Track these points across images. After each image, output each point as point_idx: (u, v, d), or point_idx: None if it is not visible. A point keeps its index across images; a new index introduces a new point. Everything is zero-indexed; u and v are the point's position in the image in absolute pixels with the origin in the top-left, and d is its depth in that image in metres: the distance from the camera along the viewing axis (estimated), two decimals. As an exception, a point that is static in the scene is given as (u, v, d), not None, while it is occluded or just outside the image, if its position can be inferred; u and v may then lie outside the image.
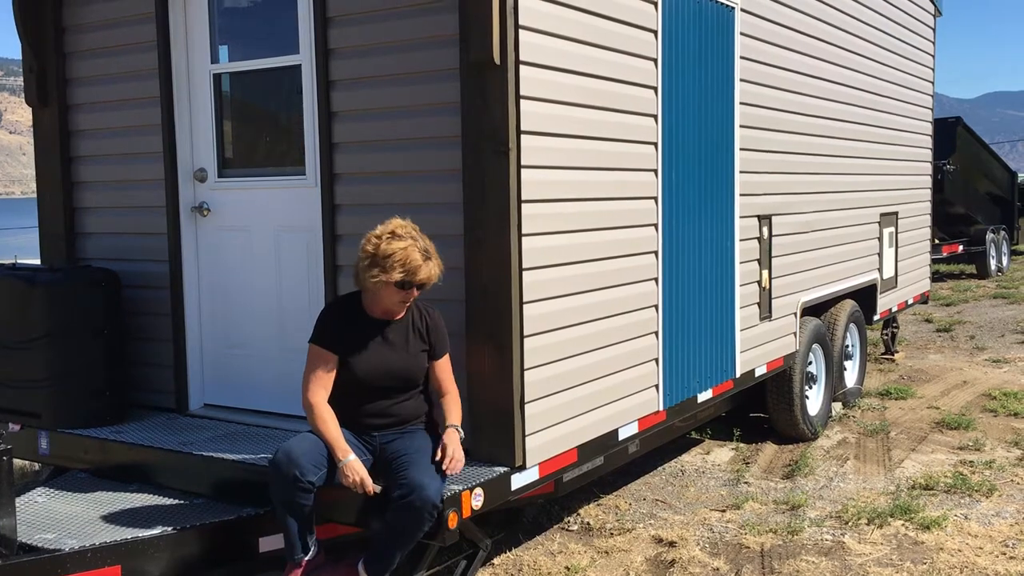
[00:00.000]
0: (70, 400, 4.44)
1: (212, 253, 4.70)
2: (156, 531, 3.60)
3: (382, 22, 3.96)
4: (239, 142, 4.73)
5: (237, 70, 4.60)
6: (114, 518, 3.78)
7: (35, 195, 5.17)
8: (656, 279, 4.67)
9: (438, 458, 3.49)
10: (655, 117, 4.58)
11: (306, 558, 3.51)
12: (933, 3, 9.06)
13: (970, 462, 5.91)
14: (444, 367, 3.74)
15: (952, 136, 15.50)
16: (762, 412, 6.46)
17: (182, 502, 3.95)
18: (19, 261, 5.17)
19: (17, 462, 4.81)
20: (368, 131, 4.06)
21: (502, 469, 3.76)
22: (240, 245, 4.60)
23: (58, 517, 3.83)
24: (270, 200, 4.49)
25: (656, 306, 4.69)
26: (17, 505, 3.53)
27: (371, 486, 3.44)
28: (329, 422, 3.52)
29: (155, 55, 4.59)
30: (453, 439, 3.56)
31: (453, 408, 3.70)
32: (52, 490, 4.17)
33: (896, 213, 8.16)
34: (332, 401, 3.62)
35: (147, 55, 4.63)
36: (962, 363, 9.18)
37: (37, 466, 5.70)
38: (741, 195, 5.41)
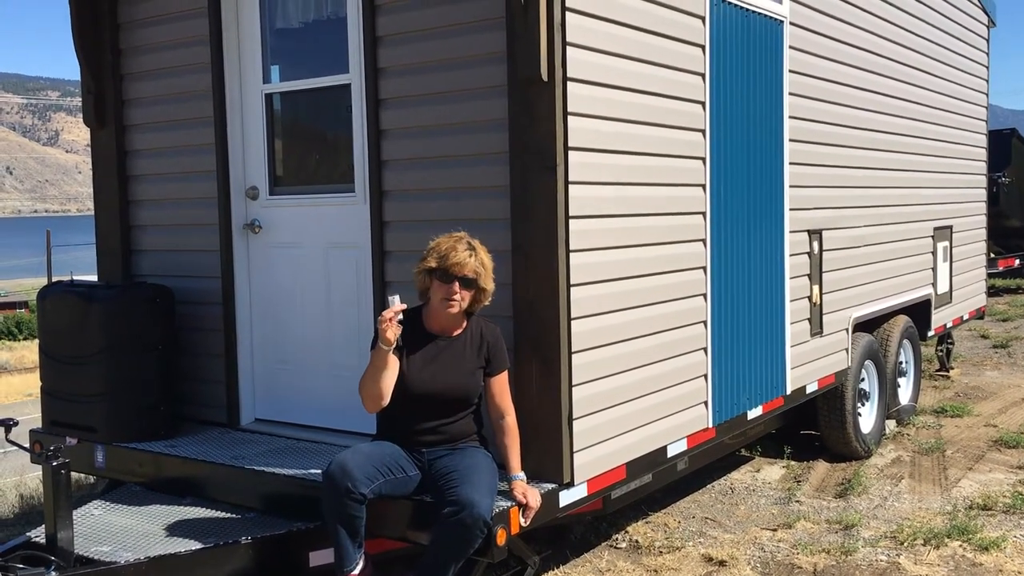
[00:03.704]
0: (125, 414, 4.52)
1: (263, 269, 4.76)
2: (209, 544, 3.65)
3: (430, 41, 4.00)
4: (290, 160, 4.80)
5: (288, 90, 4.68)
6: (168, 531, 3.84)
7: (91, 213, 5.29)
8: (705, 295, 4.64)
9: (523, 520, 3.56)
10: (703, 132, 4.56)
11: (355, 571, 3.53)
12: (986, 13, 8.91)
13: (1030, 482, 5.76)
14: (502, 384, 3.71)
15: (1007, 148, 15.22)
16: (813, 429, 6.37)
17: (234, 516, 4.00)
18: (76, 277, 5.29)
19: (74, 475, 4.91)
20: (416, 148, 4.10)
21: (550, 485, 3.74)
22: (290, 261, 4.66)
23: (113, 530, 3.90)
24: (320, 217, 4.54)
25: (705, 322, 4.65)
26: (74, 518, 3.60)
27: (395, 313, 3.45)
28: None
29: (209, 76, 4.69)
30: (518, 488, 3.59)
31: (513, 448, 3.65)
32: (108, 503, 4.24)
33: (950, 227, 8.01)
34: (383, 415, 3.63)
35: (201, 76, 4.72)
36: (1020, 380, 8.96)
37: (93, 479, 5.81)
38: (791, 209, 5.36)
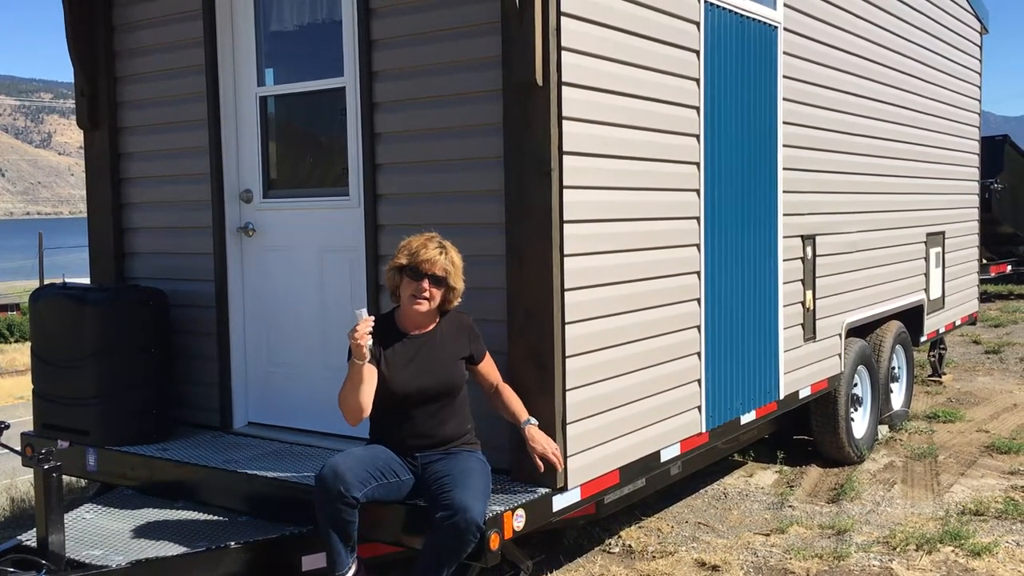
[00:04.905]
0: (118, 417, 4.50)
1: (257, 273, 4.75)
2: (201, 548, 3.63)
3: (425, 45, 4.00)
4: (284, 163, 4.80)
5: (283, 93, 4.67)
6: (160, 535, 3.83)
7: (83, 215, 5.27)
8: (698, 299, 4.64)
9: (541, 467, 3.64)
10: (697, 137, 4.57)
11: (347, 575, 3.52)
12: (979, 20, 8.95)
13: (1021, 487, 5.77)
14: (489, 366, 3.78)
15: (999, 154, 15.26)
16: (806, 434, 6.38)
17: (226, 520, 3.98)
18: (68, 280, 5.27)
19: (65, 478, 4.89)
20: (411, 152, 4.10)
21: (544, 490, 3.74)
22: (284, 265, 4.65)
23: (105, 533, 3.88)
24: (314, 220, 4.54)
25: (698, 327, 4.65)
26: (66, 521, 3.59)
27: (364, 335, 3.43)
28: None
29: (203, 79, 4.68)
30: (538, 437, 3.67)
31: (515, 402, 3.74)
32: (99, 507, 4.22)
33: (943, 233, 8.03)
34: (374, 421, 3.63)
35: (195, 79, 4.71)
36: (1012, 386, 8.99)
37: (84, 483, 5.79)
38: (784, 215, 5.37)
